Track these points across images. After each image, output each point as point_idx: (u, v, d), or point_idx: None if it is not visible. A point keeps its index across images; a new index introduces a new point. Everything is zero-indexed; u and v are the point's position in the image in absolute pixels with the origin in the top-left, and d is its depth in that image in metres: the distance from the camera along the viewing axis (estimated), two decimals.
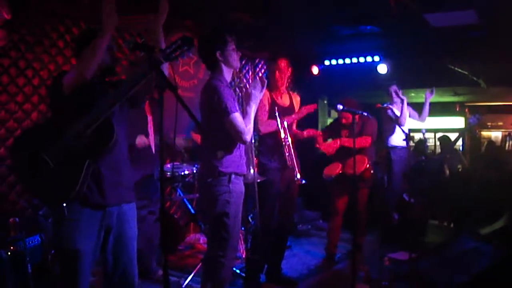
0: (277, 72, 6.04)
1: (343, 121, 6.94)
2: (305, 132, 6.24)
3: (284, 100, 6.11)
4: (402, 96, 8.51)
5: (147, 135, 5.77)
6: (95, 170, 3.49)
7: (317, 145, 7.05)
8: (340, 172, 6.82)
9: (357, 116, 6.42)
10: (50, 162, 3.39)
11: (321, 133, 6.64)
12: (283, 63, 6.04)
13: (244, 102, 4.58)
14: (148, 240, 5.83)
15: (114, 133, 3.51)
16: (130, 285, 3.77)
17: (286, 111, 5.98)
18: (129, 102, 3.80)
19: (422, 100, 8.91)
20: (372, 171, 7.03)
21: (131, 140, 5.42)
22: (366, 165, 6.85)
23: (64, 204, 3.40)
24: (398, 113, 8.43)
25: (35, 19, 6.20)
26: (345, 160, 6.73)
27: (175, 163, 6.70)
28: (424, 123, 8.99)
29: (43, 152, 3.39)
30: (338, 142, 6.85)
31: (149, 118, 5.80)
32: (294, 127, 6.20)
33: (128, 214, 3.76)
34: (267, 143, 5.92)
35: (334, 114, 12.15)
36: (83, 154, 3.41)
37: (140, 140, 5.67)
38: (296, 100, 6.28)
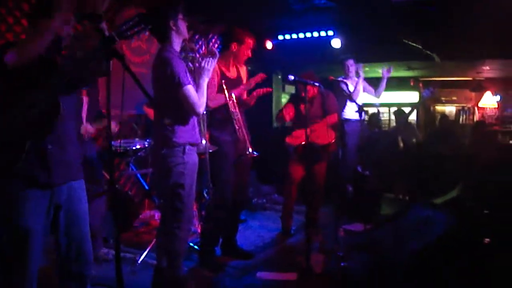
0: (242, 47, 5.99)
1: (302, 94, 6.94)
2: (254, 93, 6.09)
3: (232, 73, 6.04)
4: (360, 72, 8.56)
5: (79, 120, 5.61)
6: (40, 148, 3.40)
7: (287, 140, 7.08)
8: (303, 142, 6.79)
9: (311, 90, 6.45)
10: None
11: (270, 89, 6.47)
12: (251, 41, 6.01)
13: (196, 75, 4.55)
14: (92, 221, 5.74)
15: (60, 109, 3.43)
16: (86, 262, 3.71)
17: (234, 83, 5.91)
18: (77, 79, 3.71)
19: (377, 75, 9.00)
20: (335, 145, 7.07)
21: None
22: (332, 138, 6.92)
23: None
24: (351, 88, 8.47)
25: None
26: (310, 130, 6.67)
27: (126, 139, 6.63)
28: (378, 98, 9.06)
29: None
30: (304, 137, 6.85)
31: (85, 100, 5.67)
32: (244, 97, 6.11)
33: (77, 191, 3.68)
34: (217, 116, 5.86)
35: (289, 89, 12.19)
36: (27, 130, 3.33)
37: (86, 129, 5.55)
38: (243, 70, 6.21)
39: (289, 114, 7.16)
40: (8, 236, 3.43)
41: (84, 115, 5.66)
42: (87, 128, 5.56)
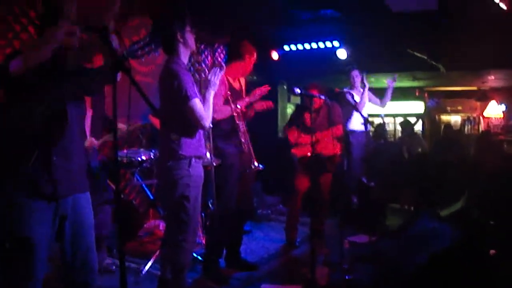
0: (251, 59, 6.02)
1: (307, 104, 6.93)
2: (254, 105, 6.09)
3: (237, 84, 6.07)
4: (365, 82, 8.57)
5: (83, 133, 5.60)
6: (46, 159, 3.40)
7: (293, 151, 7.08)
8: (309, 154, 6.79)
9: (317, 101, 6.46)
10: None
11: (271, 104, 6.47)
12: (255, 53, 6.03)
13: (203, 88, 4.56)
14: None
15: (66, 120, 3.44)
16: (91, 273, 3.71)
17: (239, 95, 5.94)
18: (84, 89, 3.72)
19: (382, 85, 9.01)
20: (339, 156, 7.08)
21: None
22: (337, 149, 6.92)
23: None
24: (357, 98, 8.48)
25: None
26: (315, 142, 6.65)
27: (132, 149, 6.63)
28: (383, 108, 9.07)
29: None
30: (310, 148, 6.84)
31: (89, 113, 5.66)
32: (244, 108, 6.08)
33: (82, 202, 3.68)
34: (222, 128, 5.83)
35: (294, 100, 12.19)
36: (33, 141, 3.33)
37: (90, 142, 5.54)
38: (243, 82, 6.22)
39: (294, 137, 7.15)
40: (14, 247, 3.43)
41: (87, 128, 5.66)
42: (92, 141, 5.55)
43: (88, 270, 3.68)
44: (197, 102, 4.31)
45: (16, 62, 3.25)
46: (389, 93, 9.01)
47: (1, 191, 3.42)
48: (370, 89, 8.82)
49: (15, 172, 3.34)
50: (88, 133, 5.63)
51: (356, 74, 8.84)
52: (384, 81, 9.15)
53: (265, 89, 5.92)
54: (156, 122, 6.85)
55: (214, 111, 4.91)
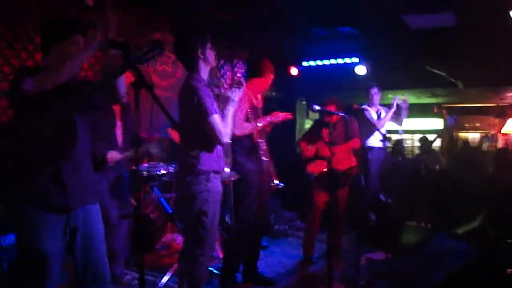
0: (267, 76, 6.06)
1: (326, 119, 6.94)
2: (268, 118, 6.01)
3: (256, 101, 6.07)
4: (394, 104, 8.55)
5: (112, 143, 5.67)
6: (57, 171, 3.47)
7: (309, 169, 7.09)
8: (326, 169, 6.81)
9: (334, 116, 6.49)
10: (10, 162, 3.37)
11: (289, 115, 6.46)
12: (272, 70, 6.08)
13: (221, 103, 4.59)
14: (115, 243, 5.75)
15: (78, 134, 3.51)
16: (103, 283, 3.76)
17: (258, 112, 5.97)
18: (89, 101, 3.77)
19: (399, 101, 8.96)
20: (355, 170, 7.08)
21: (98, 148, 5.36)
22: (354, 162, 6.93)
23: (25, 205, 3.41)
24: (374, 115, 8.50)
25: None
26: (331, 157, 6.66)
27: (151, 163, 6.67)
28: (401, 125, 9.06)
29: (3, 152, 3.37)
30: (325, 164, 6.85)
31: (118, 124, 5.72)
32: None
33: (93, 214, 3.74)
34: (243, 144, 5.86)
35: (313, 115, 12.21)
36: (44, 155, 3.40)
37: (111, 156, 5.56)
38: (260, 98, 6.23)
39: (309, 152, 7.15)
40: (28, 260, 3.50)
41: (119, 139, 5.73)
42: (114, 155, 5.56)
43: (100, 281, 3.74)
44: (216, 118, 4.31)
45: (33, 82, 3.31)
46: (402, 114, 8.93)
47: (13, 205, 3.49)
48: (386, 105, 8.83)
49: (27, 185, 3.41)
50: (120, 145, 5.69)
51: (375, 91, 8.85)
52: (400, 96, 9.09)
53: (288, 116, 5.99)
54: (175, 136, 6.90)
55: (235, 127, 4.93)
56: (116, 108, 5.62)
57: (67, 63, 3.37)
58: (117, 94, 3.71)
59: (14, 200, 3.48)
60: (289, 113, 6.08)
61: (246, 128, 5.72)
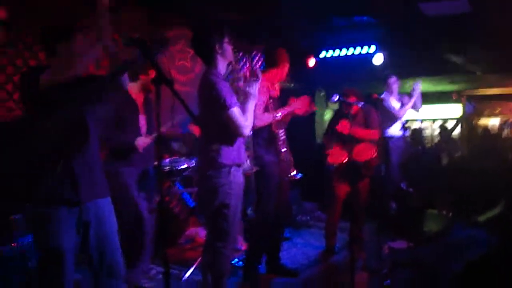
0: (283, 66, 6.08)
1: (346, 110, 6.93)
2: (298, 110, 6.10)
3: (274, 91, 6.05)
4: (415, 89, 8.56)
5: (136, 133, 5.67)
6: (68, 167, 3.54)
7: (329, 160, 7.08)
8: (346, 160, 6.83)
9: (354, 107, 6.49)
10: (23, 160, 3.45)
11: (307, 101, 6.43)
12: (287, 59, 6.10)
13: (241, 95, 4.61)
14: (144, 237, 5.78)
15: (89, 129, 3.58)
16: (118, 278, 3.84)
17: (276, 102, 5.96)
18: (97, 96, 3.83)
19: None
20: (377, 160, 7.07)
21: (123, 138, 5.43)
22: (374, 153, 6.91)
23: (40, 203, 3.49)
24: (396, 105, 8.51)
25: None
26: (351, 147, 6.70)
27: (173, 157, 6.72)
28: (420, 112, 9.06)
29: (16, 150, 3.44)
30: (346, 155, 6.84)
31: (142, 117, 5.75)
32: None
33: (105, 208, 3.82)
34: (262, 136, 5.87)
35: (331, 106, 12.21)
36: (56, 151, 3.46)
37: (141, 141, 5.57)
38: (277, 88, 6.22)
39: (330, 145, 7.13)
40: (44, 256, 3.58)
41: (143, 129, 5.73)
42: (143, 140, 5.53)
43: (116, 274, 3.84)
44: (236, 111, 4.35)
45: (50, 75, 3.41)
46: (418, 98, 8.94)
47: (28, 202, 3.57)
48: (406, 93, 8.83)
49: (40, 182, 3.48)
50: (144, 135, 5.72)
51: (393, 81, 8.85)
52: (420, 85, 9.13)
53: (305, 100, 5.99)
54: (196, 130, 6.93)
55: (255, 118, 4.96)
56: (139, 101, 5.66)
57: (76, 60, 3.44)
58: (121, 87, 3.78)
59: (28, 197, 3.55)
60: (306, 97, 6.07)
61: (266, 119, 5.73)
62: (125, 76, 3.77)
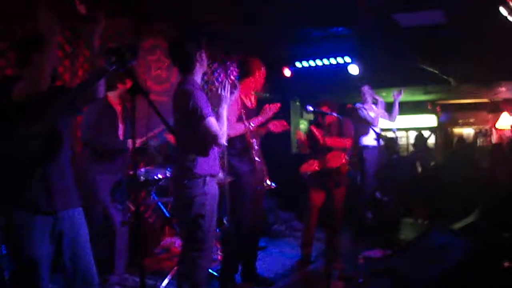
0: (257, 75, 6.09)
1: (320, 120, 6.96)
2: (273, 128, 6.14)
3: (248, 102, 6.07)
4: (377, 97, 8.66)
5: (115, 137, 5.72)
6: (43, 176, 3.53)
7: (302, 168, 7.09)
8: (317, 168, 6.83)
9: (328, 117, 6.52)
10: None
11: (287, 125, 6.46)
12: (262, 68, 6.10)
13: (213, 101, 4.61)
14: (118, 248, 5.76)
15: (63, 139, 3.57)
16: (92, 286, 3.81)
17: (251, 112, 5.96)
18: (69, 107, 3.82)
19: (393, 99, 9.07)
20: (347, 167, 7.08)
21: (102, 141, 5.43)
22: (343, 160, 6.92)
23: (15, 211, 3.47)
24: (372, 114, 8.57)
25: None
26: (323, 155, 6.72)
27: (148, 168, 6.70)
28: (396, 122, 9.14)
29: None
30: (317, 163, 6.87)
31: (120, 126, 5.75)
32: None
33: (77, 218, 3.79)
34: (236, 145, 5.86)
35: (307, 116, 12.27)
36: (31, 160, 3.45)
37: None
38: (253, 99, 6.23)
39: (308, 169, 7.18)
40: (19, 266, 3.55)
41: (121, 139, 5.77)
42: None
43: (89, 284, 3.79)
44: (212, 120, 4.34)
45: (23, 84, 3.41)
46: (396, 107, 9.12)
47: (2, 211, 3.54)
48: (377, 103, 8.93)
49: (14, 192, 3.46)
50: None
51: (366, 89, 8.93)
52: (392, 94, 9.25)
53: (276, 106, 5.98)
54: (172, 139, 6.92)
55: (228, 127, 4.96)
56: (118, 109, 5.67)
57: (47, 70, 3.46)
58: (96, 94, 3.77)
59: (2, 206, 3.53)
60: (278, 104, 6.05)
61: (239, 128, 5.74)
62: (101, 84, 3.74)
